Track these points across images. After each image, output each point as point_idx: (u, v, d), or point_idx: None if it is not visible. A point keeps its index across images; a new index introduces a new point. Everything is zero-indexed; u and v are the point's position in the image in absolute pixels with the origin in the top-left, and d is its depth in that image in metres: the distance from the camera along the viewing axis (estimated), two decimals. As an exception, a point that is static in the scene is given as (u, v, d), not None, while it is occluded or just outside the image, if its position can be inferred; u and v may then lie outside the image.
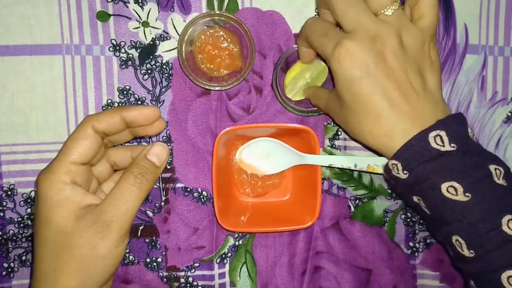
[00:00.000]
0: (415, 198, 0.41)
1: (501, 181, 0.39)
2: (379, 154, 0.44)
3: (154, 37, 0.51)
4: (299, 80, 0.51)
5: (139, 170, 0.41)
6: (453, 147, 0.38)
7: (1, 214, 0.51)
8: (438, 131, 0.38)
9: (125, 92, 0.52)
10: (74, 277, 0.39)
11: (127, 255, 0.53)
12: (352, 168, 0.50)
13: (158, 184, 0.52)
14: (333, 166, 0.50)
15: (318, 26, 0.44)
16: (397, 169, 0.40)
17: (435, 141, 0.38)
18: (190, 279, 0.53)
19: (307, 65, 0.51)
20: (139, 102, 0.52)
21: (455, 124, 0.39)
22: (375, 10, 0.41)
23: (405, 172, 0.40)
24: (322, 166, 0.51)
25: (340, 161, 0.50)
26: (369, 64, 0.39)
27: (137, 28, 0.51)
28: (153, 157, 0.42)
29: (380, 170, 0.49)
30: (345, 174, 0.54)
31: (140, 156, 0.42)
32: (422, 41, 0.42)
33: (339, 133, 0.54)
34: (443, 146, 0.38)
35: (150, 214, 0.53)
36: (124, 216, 0.40)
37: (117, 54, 0.51)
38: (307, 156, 0.50)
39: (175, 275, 0.53)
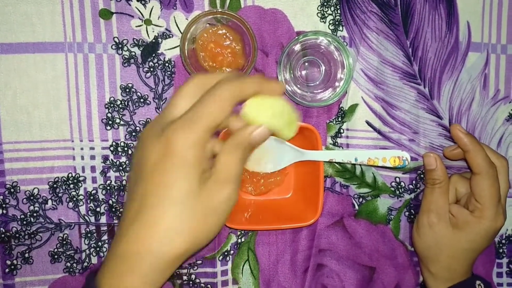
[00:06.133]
0: None
1: None
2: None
3: (157, 35, 0.51)
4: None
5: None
6: None
7: (4, 211, 0.51)
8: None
9: (127, 90, 0.52)
10: None
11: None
12: (353, 162, 0.50)
13: (160, 182, 0.52)
14: (333, 161, 0.50)
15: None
16: None
17: None
18: (193, 276, 0.54)
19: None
20: (142, 100, 0.52)
21: None
22: None
23: None
24: (324, 163, 0.51)
25: (341, 155, 0.50)
26: None
27: (139, 26, 0.51)
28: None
29: (381, 163, 0.50)
30: (348, 172, 0.54)
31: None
32: None
33: (342, 131, 0.54)
34: None
35: (153, 212, 0.53)
36: None
37: (120, 52, 0.51)
38: (307, 152, 0.50)
39: (178, 272, 0.53)
